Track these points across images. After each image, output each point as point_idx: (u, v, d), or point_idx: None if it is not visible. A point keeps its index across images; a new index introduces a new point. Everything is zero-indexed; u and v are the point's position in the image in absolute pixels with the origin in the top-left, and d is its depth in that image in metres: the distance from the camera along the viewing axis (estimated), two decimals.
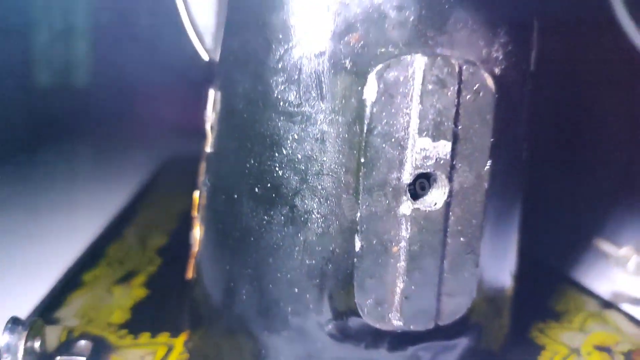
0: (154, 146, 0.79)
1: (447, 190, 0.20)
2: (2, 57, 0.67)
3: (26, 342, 0.21)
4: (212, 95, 0.25)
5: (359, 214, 0.20)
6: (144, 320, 0.29)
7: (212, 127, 0.25)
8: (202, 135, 0.26)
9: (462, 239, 0.21)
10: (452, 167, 0.20)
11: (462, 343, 0.24)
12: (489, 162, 0.21)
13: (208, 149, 0.26)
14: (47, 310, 0.29)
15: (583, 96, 0.53)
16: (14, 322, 0.22)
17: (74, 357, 0.24)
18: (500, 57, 0.22)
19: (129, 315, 0.29)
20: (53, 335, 0.26)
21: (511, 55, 0.22)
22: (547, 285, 0.36)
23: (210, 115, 0.25)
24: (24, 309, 0.29)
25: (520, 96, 0.24)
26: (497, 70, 0.22)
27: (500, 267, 0.25)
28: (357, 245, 0.20)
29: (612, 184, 0.49)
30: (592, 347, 0.28)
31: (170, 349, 0.26)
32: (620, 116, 0.53)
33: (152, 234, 0.42)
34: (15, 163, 0.67)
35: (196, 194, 0.27)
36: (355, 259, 0.20)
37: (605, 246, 0.35)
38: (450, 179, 0.20)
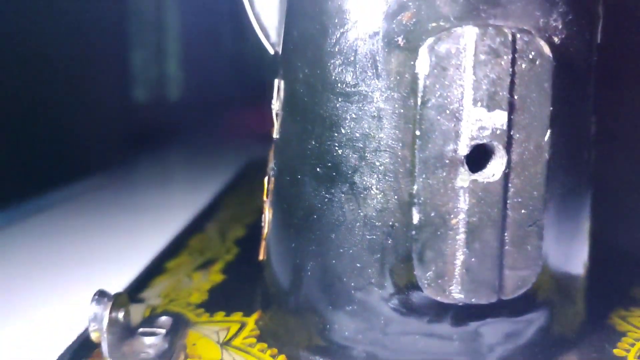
0: (236, 151, 0.83)
1: (505, 161, 0.20)
2: (103, 76, 0.74)
3: (111, 312, 0.23)
4: (277, 84, 0.27)
5: (416, 187, 0.20)
6: (219, 301, 0.31)
7: (277, 115, 0.27)
8: None
9: (523, 211, 0.21)
10: (510, 137, 0.20)
11: (531, 324, 0.24)
12: (548, 132, 0.20)
13: (275, 135, 0.27)
14: (134, 291, 0.32)
15: None
16: (101, 294, 0.24)
17: (155, 329, 0.26)
18: (560, 26, 0.21)
19: (206, 296, 0.31)
20: (138, 311, 0.29)
21: (572, 25, 0.22)
22: (632, 275, 0.34)
23: (276, 103, 0.27)
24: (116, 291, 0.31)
25: (585, 67, 0.23)
26: (556, 40, 0.21)
27: (569, 248, 0.24)
28: (415, 218, 0.21)
29: None
30: None
31: (242, 326, 0.28)
32: None
33: (231, 227, 0.44)
34: (116, 169, 0.73)
35: (265, 180, 0.28)
36: (414, 232, 0.21)
37: None
38: (508, 150, 0.20)
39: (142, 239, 0.46)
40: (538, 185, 0.21)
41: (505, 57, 0.20)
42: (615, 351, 0.25)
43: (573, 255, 0.25)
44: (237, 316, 0.29)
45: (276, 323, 0.27)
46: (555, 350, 0.24)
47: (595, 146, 0.25)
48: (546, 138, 0.20)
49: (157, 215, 0.55)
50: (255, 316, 0.29)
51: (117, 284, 0.32)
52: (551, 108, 0.20)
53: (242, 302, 0.30)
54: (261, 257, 0.29)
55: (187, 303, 0.30)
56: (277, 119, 0.27)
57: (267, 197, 0.28)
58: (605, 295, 0.31)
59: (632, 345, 0.26)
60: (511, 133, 0.20)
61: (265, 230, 0.28)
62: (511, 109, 0.20)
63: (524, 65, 0.20)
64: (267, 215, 0.28)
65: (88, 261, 0.42)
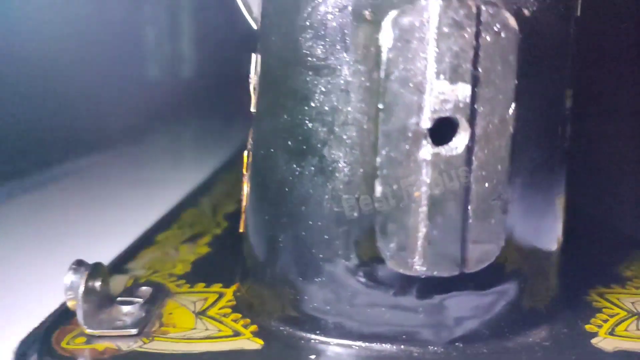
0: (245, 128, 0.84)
1: (468, 134, 0.20)
2: (118, 55, 0.75)
3: (87, 281, 0.24)
4: (255, 59, 0.27)
5: (378, 160, 0.21)
6: (201, 272, 0.31)
7: (254, 89, 0.27)
8: None
9: (486, 184, 0.21)
10: (474, 110, 0.20)
11: (498, 297, 0.24)
12: (513, 105, 0.20)
13: (252, 109, 0.27)
14: (120, 262, 0.32)
15: None
16: (78, 264, 0.25)
17: (133, 299, 0.27)
18: None
19: (189, 268, 0.32)
20: (120, 281, 0.29)
21: None
22: (618, 251, 0.34)
23: (253, 77, 0.27)
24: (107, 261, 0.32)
25: (559, 40, 0.23)
26: (526, 12, 0.21)
27: (540, 222, 0.24)
28: (378, 190, 0.21)
29: None
30: None
31: (220, 297, 0.28)
32: None
33: (223, 203, 0.45)
34: (127, 144, 0.75)
35: (245, 154, 0.28)
36: (376, 204, 0.21)
37: None
38: (471, 123, 0.20)
39: (141, 212, 0.46)
40: (502, 159, 0.21)
41: (469, 30, 0.19)
42: (587, 327, 0.26)
43: (544, 230, 0.25)
44: (217, 287, 0.29)
45: (252, 294, 0.27)
46: (524, 325, 0.24)
47: (571, 121, 0.25)
48: (511, 111, 0.20)
49: (160, 190, 0.55)
50: (234, 287, 0.29)
51: (109, 255, 0.33)
52: (516, 81, 0.20)
53: (223, 274, 0.31)
54: (241, 229, 0.29)
55: (169, 274, 0.31)
56: (254, 93, 0.27)
57: (246, 170, 0.28)
58: (588, 272, 0.31)
59: (606, 321, 0.26)
60: (475, 106, 0.20)
61: (244, 203, 0.28)
62: (475, 82, 0.20)
63: (488, 38, 0.20)
64: (246, 188, 0.28)
65: (87, 232, 0.43)
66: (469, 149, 0.20)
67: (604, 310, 0.27)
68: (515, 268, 0.24)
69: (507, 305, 0.24)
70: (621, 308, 0.27)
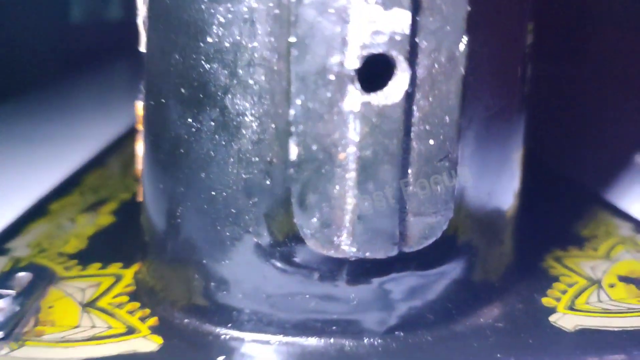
0: None
1: (407, 77, 0.15)
2: None
3: None
4: None
5: (292, 112, 0.16)
6: (99, 249, 0.26)
7: (143, 23, 0.21)
8: None
9: (431, 141, 0.16)
10: (414, 45, 0.15)
11: (446, 275, 0.20)
12: (465, 39, 0.16)
13: (141, 48, 0.21)
14: (0, 240, 0.27)
15: None
16: None
17: (3, 291, 0.22)
18: None
19: (85, 244, 0.27)
20: None
21: None
22: (574, 208, 0.31)
23: (142, 8, 0.21)
24: None
25: None
26: None
27: (495, 183, 0.20)
28: (293, 152, 0.16)
29: None
30: (616, 279, 0.24)
31: (117, 280, 0.23)
32: None
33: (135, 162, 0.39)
34: (45, 91, 0.67)
35: (136, 104, 0.23)
36: (292, 170, 0.16)
37: None
38: (412, 63, 0.15)
39: (38, 175, 0.40)
40: (451, 108, 0.16)
41: None
42: (544, 300, 0.22)
43: (500, 193, 0.21)
44: (114, 268, 0.24)
45: (153, 276, 0.22)
46: (475, 304, 0.21)
47: (531, 59, 0.20)
48: (462, 47, 0.16)
49: (66, 147, 0.48)
50: (135, 267, 0.24)
51: None
52: (468, 7, 0.15)
53: (125, 251, 0.25)
54: (139, 197, 0.24)
55: (59, 253, 0.26)
56: (144, 28, 0.21)
57: (141, 125, 0.23)
58: (543, 233, 0.28)
59: (564, 292, 0.23)
60: (416, 40, 0.15)
61: (139, 167, 0.23)
62: (415, 7, 0.15)
63: None
64: (141, 148, 0.23)
65: None
66: (409, 96, 0.16)
67: (561, 278, 0.24)
68: (466, 240, 0.20)
69: (455, 284, 0.20)
70: (580, 275, 0.24)
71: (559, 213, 0.30)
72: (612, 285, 0.23)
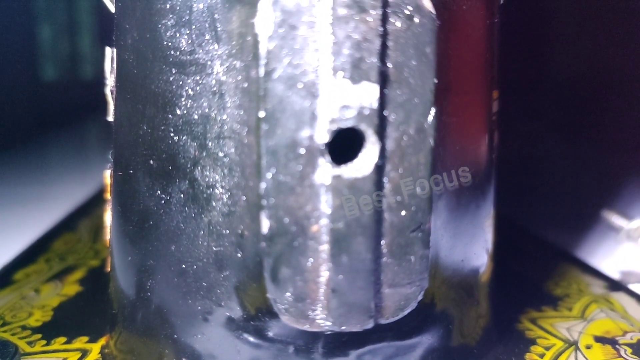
0: None
1: (377, 149, 0.16)
2: (8, 52, 0.66)
3: None
4: (110, 53, 0.21)
5: (263, 185, 0.16)
6: (64, 322, 0.25)
7: (111, 92, 0.21)
8: None
9: (403, 212, 0.16)
10: (383, 118, 0.16)
11: (424, 343, 0.20)
12: (433, 111, 0.16)
13: (109, 117, 0.21)
14: None
15: (597, 50, 0.47)
16: None
17: None
18: None
19: (49, 316, 0.25)
20: None
21: None
22: (545, 266, 0.31)
23: (110, 77, 0.21)
24: None
25: (484, 30, 0.19)
26: None
27: (469, 247, 0.20)
28: (265, 225, 0.16)
29: (623, 150, 0.43)
30: (592, 339, 0.23)
31: (83, 356, 0.22)
32: (635, 76, 0.47)
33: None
34: (20, 149, 0.66)
35: (106, 173, 0.22)
36: (264, 243, 0.16)
37: (615, 219, 0.30)
38: (381, 135, 0.16)
39: (4, 239, 0.39)
40: (422, 179, 0.16)
41: (372, 12, 0.15)
42: None
43: (474, 257, 0.21)
44: (81, 342, 0.23)
45: (122, 350, 0.21)
46: None
47: (498, 126, 0.21)
48: (430, 118, 0.16)
49: (33, 210, 0.47)
50: (102, 341, 0.23)
51: None
52: (435, 80, 0.16)
53: (91, 323, 0.24)
54: (107, 267, 0.23)
55: (22, 327, 0.24)
56: (112, 97, 0.21)
57: (109, 194, 0.23)
58: (516, 293, 0.27)
59: (542, 356, 0.22)
60: (384, 113, 0.16)
61: (108, 237, 0.22)
62: (383, 81, 0.15)
63: (398, 24, 0.15)
64: (109, 217, 0.22)
65: None
66: (379, 169, 0.16)
67: (538, 341, 0.24)
68: (442, 308, 0.20)
69: (433, 352, 0.20)
70: (556, 337, 0.24)
71: (530, 272, 0.30)
72: (588, 347, 0.23)
